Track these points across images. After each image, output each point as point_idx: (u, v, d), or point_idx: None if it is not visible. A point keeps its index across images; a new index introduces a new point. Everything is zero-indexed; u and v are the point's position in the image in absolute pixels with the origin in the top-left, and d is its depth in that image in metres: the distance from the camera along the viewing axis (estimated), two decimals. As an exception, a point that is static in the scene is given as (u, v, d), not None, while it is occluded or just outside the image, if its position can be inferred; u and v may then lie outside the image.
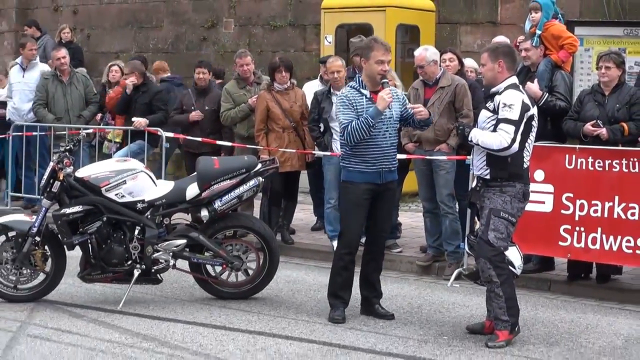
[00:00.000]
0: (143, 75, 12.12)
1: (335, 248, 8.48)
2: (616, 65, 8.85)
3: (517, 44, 10.15)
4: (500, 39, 10.39)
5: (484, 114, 7.34)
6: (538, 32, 9.79)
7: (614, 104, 8.87)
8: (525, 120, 7.08)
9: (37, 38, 16.40)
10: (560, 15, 10.20)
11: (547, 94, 9.28)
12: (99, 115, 13.26)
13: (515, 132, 7.01)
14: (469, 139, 7.28)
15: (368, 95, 7.73)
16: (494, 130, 7.09)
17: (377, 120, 7.57)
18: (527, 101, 7.15)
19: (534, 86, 9.22)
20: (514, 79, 7.30)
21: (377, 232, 8.04)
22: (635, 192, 8.59)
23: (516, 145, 7.04)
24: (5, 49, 19.69)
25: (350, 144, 7.66)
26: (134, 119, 11.71)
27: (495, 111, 7.16)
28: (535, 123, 7.24)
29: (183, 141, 11.69)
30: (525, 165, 7.25)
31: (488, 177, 7.21)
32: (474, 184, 7.50)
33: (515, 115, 7.03)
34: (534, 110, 7.21)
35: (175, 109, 11.76)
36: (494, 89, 7.25)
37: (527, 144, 7.20)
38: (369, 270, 8.07)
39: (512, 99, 7.09)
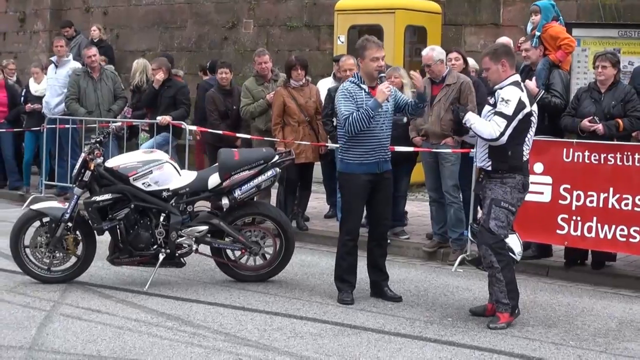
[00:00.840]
0: (169, 71, 12.11)
1: None
2: (612, 65, 8.80)
3: (519, 44, 10.10)
4: (503, 39, 10.36)
5: (486, 108, 7.33)
6: (537, 33, 9.77)
7: (609, 101, 8.81)
8: (521, 117, 7.02)
9: (72, 37, 16.47)
10: (561, 17, 10.14)
11: (543, 91, 9.23)
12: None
13: (506, 127, 6.97)
14: (463, 121, 7.25)
15: (366, 90, 7.74)
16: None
17: (376, 112, 7.58)
18: (525, 99, 7.07)
19: (531, 83, 9.16)
20: (517, 77, 7.26)
21: (380, 220, 8.00)
22: (628, 184, 8.55)
23: (504, 138, 6.99)
24: (40, 47, 19.76)
25: (351, 134, 7.64)
26: (158, 118, 11.70)
27: (495, 105, 7.13)
28: (534, 119, 7.19)
29: (198, 134, 11.64)
30: (524, 159, 7.20)
31: (489, 168, 7.18)
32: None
33: (509, 111, 6.98)
34: (532, 108, 7.15)
35: (213, 111, 11.50)
36: (497, 86, 7.21)
37: (526, 139, 7.17)
38: (375, 256, 8.03)
39: (510, 95, 7.04)
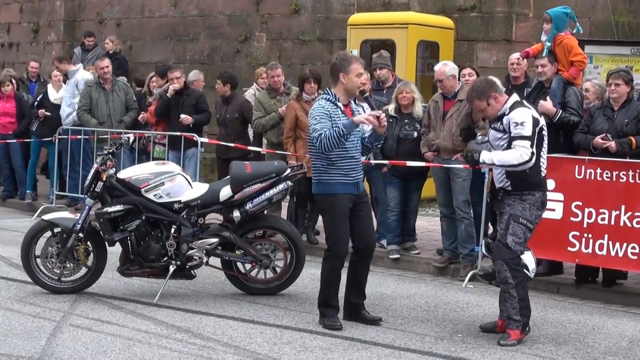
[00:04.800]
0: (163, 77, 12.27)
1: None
2: (625, 82, 8.78)
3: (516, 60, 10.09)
4: (515, 55, 10.31)
5: (493, 134, 7.24)
6: (547, 44, 9.68)
7: (622, 119, 8.79)
8: (537, 134, 7.02)
9: (91, 49, 16.54)
10: (578, 26, 9.92)
11: (561, 111, 9.20)
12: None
13: (532, 146, 6.94)
14: (480, 161, 7.14)
15: (342, 108, 7.41)
16: (508, 147, 7.02)
17: (349, 131, 7.19)
18: (536, 115, 7.08)
19: (547, 104, 9.14)
20: (515, 97, 7.23)
21: (368, 241, 7.61)
22: (641, 202, 8.52)
23: (534, 158, 6.98)
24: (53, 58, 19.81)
25: (324, 152, 7.26)
26: (182, 115, 11.74)
27: (505, 131, 7.09)
28: (545, 133, 7.18)
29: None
30: (542, 174, 7.19)
31: (509, 188, 7.16)
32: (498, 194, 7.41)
33: (528, 132, 6.96)
34: (542, 121, 7.14)
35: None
36: (500, 112, 7.14)
37: (542, 153, 7.15)
38: (361, 278, 7.65)
39: (522, 117, 7.00)
